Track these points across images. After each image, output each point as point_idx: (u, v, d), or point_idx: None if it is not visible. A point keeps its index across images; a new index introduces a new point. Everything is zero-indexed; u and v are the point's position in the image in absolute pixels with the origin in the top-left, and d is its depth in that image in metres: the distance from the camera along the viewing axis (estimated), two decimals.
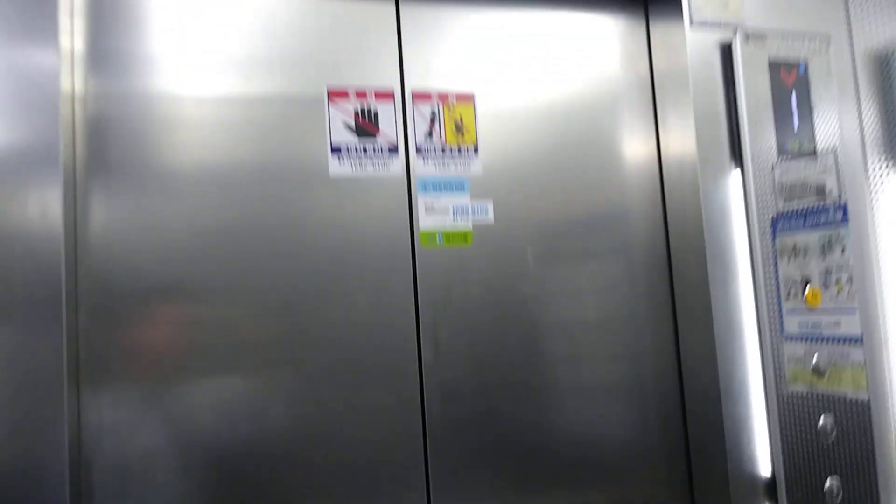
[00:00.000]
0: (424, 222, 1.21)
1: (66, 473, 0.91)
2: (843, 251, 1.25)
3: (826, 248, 1.26)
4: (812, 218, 1.27)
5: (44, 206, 0.94)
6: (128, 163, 1.07)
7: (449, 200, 1.23)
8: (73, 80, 1.05)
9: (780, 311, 1.26)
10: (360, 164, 1.19)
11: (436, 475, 1.18)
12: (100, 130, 1.07)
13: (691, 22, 1.28)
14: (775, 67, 1.29)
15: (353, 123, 1.19)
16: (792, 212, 1.27)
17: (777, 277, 1.26)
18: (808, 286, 1.25)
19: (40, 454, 0.91)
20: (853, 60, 1.38)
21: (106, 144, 1.07)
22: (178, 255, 1.08)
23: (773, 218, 1.27)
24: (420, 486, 1.17)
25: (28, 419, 0.91)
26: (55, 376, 0.92)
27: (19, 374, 0.91)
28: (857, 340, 1.23)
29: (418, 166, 1.23)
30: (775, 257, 1.27)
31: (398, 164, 1.21)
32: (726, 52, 1.29)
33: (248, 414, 1.09)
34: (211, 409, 1.08)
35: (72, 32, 1.05)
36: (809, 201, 1.27)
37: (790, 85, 1.30)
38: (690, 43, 1.28)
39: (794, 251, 1.27)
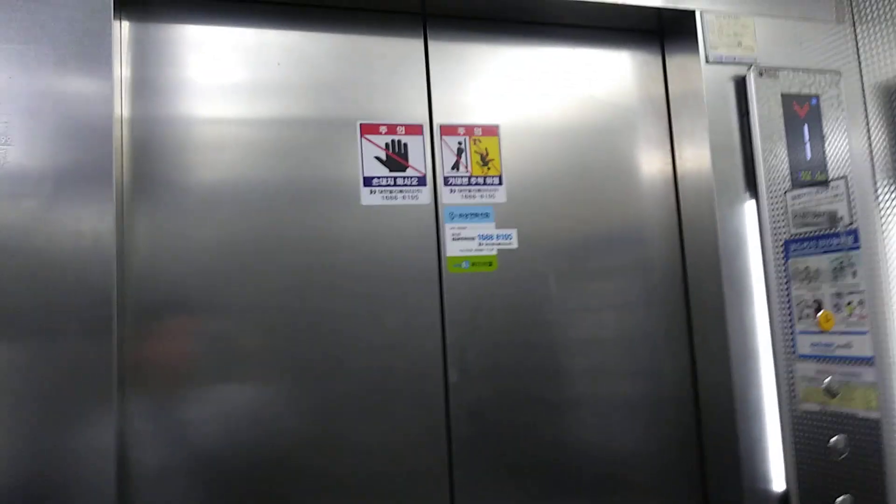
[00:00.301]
0: (451, 249, 1.26)
1: (112, 479, 0.95)
2: (854, 275, 1.29)
3: (838, 272, 1.29)
4: (824, 242, 1.31)
5: (97, 223, 0.98)
6: (170, 183, 1.13)
7: (475, 229, 1.28)
8: (121, 105, 1.12)
9: (794, 331, 1.30)
10: (391, 195, 1.24)
11: (461, 491, 1.22)
12: (145, 152, 1.12)
13: (707, 59, 1.33)
14: (788, 100, 1.33)
15: (384, 156, 1.25)
16: (804, 236, 1.31)
17: (790, 299, 1.30)
18: (821, 310, 1.29)
19: (90, 458, 0.95)
20: (863, 93, 1.42)
21: (150, 165, 1.12)
22: (215, 271, 1.13)
23: (785, 241, 1.31)
24: (445, 500, 1.21)
25: (80, 424, 0.95)
26: (105, 385, 0.96)
27: (71, 382, 0.95)
28: (868, 361, 1.26)
29: (445, 196, 1.28)
30: (788, 280, 1.31)
31: (427, 194, 1.27)
32: (740, 84, 1.34)
33: (279, 428, 1.14)
34: (239, 422, 1.12)
35: (121, 63, 1.13)
36: (821, 227, 1.31)
37: (803, 116, 1.34)
38: (706, 76, 1.32)
39: (807, 274, 1.30)
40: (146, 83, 1.14)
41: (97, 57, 1.01)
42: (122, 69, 1.13)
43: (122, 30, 1.14)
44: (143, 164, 1.12)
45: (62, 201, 0.97)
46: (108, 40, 1.01)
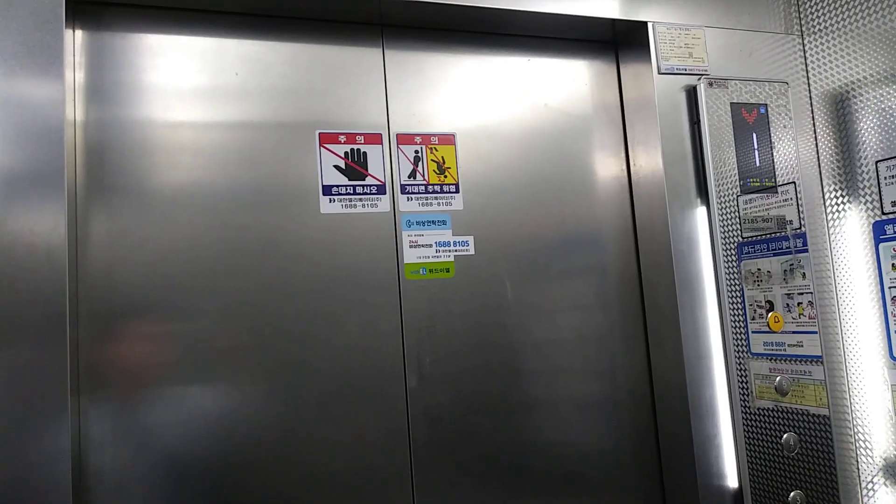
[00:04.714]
0: (409, 256, 1.28)
1: (69, 485, 0.95)
2: (803, 276, 1.33)
3: (788, 273, 1.34)
4: (775, 245, 1.35)
5: (50, 227, 0.98)
6: (124, 186, 1.13)
7: (432, 236, 1.30)
8: (74, 109, 1.11)
9: (747, 331, 1.34)
10: (351, 203, 1.25)
11: (422, 493, 1.24)
12: (98, 156, 1.12)
13: (659, 70, 1.36)
14: (737, 109, 1.37)
15: (343, 165, 1.26)
16: (756, 239, 1.35)
17: (743, 300, 1.34)
18: (771, 312, 1.33)
19: (45, 464, 0.95)
20: (810, 101, 1.47)
21: (104, 169, 1.12)
22: (171, 275, 1.13)
23: (739, 244, 1.35)
24: (408, 502, 1.23)
25: (34, 430, 0.95)
26: (59, 391, 0.96)
27: (24, 389, 0.95)
28: (818, 359, 1.31)
29: (402, 204, 1.29)
30: (741, 281, 1.34)
31: (386, 202, 1.28)
32: (691, 94, 1.37)
33: (239, 433, 1.14)
34: (198, 425, 1.12)
35: (74, 67, 1.12)
36: (771, 231, 1.35)
37: (752, 124, 1.38)
38: (658, 86, 1.36)
39: (759, 276, 1.35)
40: (101, 88, 1.14)
41: (48, 65, 1.01)
42: (75, 75, 1.13)
43: (76, 38, 1.14)
44: (99, 168, 1.12)
45: (13, 206, 0.97)
46: (59, 49, 1.01)
